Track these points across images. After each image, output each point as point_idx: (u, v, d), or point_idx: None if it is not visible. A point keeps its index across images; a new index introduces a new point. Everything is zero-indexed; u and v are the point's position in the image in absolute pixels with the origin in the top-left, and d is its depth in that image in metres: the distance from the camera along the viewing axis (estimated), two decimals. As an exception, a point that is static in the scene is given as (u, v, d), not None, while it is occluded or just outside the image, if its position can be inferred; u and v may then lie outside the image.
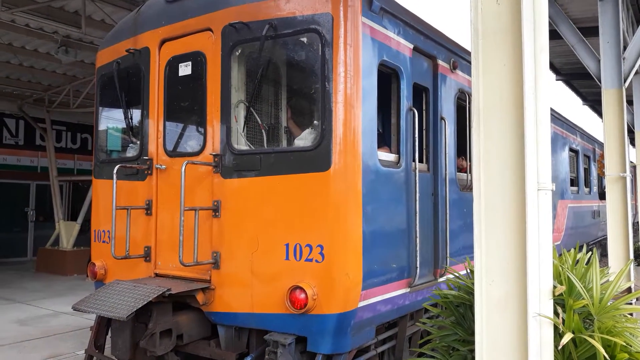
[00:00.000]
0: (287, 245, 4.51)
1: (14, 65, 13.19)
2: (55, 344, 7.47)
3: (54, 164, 16.09)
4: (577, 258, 3.42)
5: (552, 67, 15.83)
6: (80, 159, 19.03)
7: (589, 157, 14.83)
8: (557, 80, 17.23)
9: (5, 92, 15.62)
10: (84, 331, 7.90)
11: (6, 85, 14.79)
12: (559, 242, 11.05)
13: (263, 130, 5.14)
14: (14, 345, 7.41)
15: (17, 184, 17.58)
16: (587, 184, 14.60)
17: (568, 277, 3.04)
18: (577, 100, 21.01)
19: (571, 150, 12.59)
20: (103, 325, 5.63)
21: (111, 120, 6.29)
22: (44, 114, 16.26)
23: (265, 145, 5.12)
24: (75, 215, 15.48)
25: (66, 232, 15.10)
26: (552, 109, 10.94)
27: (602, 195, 15.10)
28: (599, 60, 7.74)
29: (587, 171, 14.74)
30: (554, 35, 10.82)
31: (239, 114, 5.03)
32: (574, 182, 12.90)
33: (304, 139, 4.75)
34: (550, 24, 9.96)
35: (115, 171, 5.25)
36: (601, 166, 14.13)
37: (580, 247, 3.94)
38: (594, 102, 18.87)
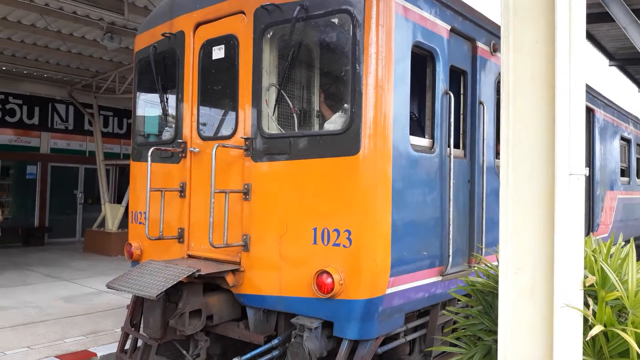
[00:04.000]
0: (315, 229, 4.48)
1: (63, 52, 13.64)
2: (97, 320, 7.74)
3: (101, 148, 16.61)
4: (612, 249, 3.24)
5: (605, 52, 15.14)
6: (126, 143, 19.57)
7: (642, 147, 14.12)
8: (610, 65, 16.47)
9: (56, 78, 16.21)
10: (123, 309, 8.15)
11: (57, 71, 15.34)
12: (605, 235, 10.59)
13: (294, 114, 5.10)
14: (58, 320, 7.73)
15: (67, 167, 18.27)
16: (640, 174, 13.91)
17: (601, 267, 2.89)
18: (633, 87, 20.06)
19: (622, 139, 12.00)
20: (139, 304, 5.78)
21: (148, 103, 6.40)
22: (91, 99, 16.78)
23: (296, 129, 5.08)
24: (121, 198, 15.97)
25: (111, 215, 15.61)
26: (602, 96, 10.44)
27: None
28: (653, 43, 7.31)
29: (641, 161, 14.04)
30: (605, 17, 10.32)
31: (270, 98, 5.01)
32: (625, 172, 12.31)
33: (334, 122, 4.69)
34: (600, 6, 9.48)
35: (150, 153, 5.33)
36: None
37: (627, 241, 3.73)
38: (651, 89, 17.96)
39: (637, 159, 13.62)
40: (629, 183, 12.41)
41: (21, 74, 15.93)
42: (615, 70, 17.13)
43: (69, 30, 12.19)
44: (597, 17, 11.04)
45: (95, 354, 6.17)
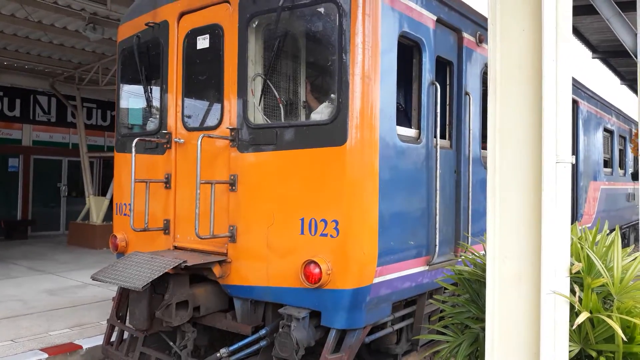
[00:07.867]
0: (302, 219, 4.46)
1: (44, 43, 13.38)
2: (82, 313, 7.67)
3: (84, 140, 16.39)
4: (597, 237, 3.27)
5: (589, 44, 15.24)
6: (110, 136, 19.31)
7: (624, 138, 14.31)
8: (593, 58, 16.59)
9: (38, 69, 15.92)
10: (109, 302, 8.08)
11: (38, 62, 15.05)
12: (589, 225, 10.73)
13: (280, 104, 5.07)
14: (43, 313, 7.64)
15: (49, 160, 18.00)
16: (622, 165, 14.10)
17: (587, 255, 2.92)
18: (615, 80, 20.27)
19: (605, 130, 12.14)
20: (125, 296, 5.73)
21: (132, 94, 6.32)
22: (74, 91, 16.53)
23: (282, 119, 5.05)
24: (105, 191, 15.79)
25: (96, 207, 15.44)
26: (586, 87, 10.54)
27: (634, 176, 14.57)
28: (636, 35, 7.38)
29: (623, 152, 14.24)
30: (589, 10, 10.37)
31: (256, 88, 4.96)
32: (607, 163, 12.47)
33: (320, 112, 4.67)
34: (585, -3, 9.52)
35: (134, 144, 5.27)
36: (635, 145, 13.59)
37: (611, 230, 3.78)
38: (633, 82, 18.16)
39: (620, 150, 13.81)
40: (611, 174, 12.58)
41: (1, 65, 15.62)
42: (598, 63, 17.27)
43: (50, 21, 11.95)
44: (581, 9, 11.11)
45: (80, 347, 6.11)
